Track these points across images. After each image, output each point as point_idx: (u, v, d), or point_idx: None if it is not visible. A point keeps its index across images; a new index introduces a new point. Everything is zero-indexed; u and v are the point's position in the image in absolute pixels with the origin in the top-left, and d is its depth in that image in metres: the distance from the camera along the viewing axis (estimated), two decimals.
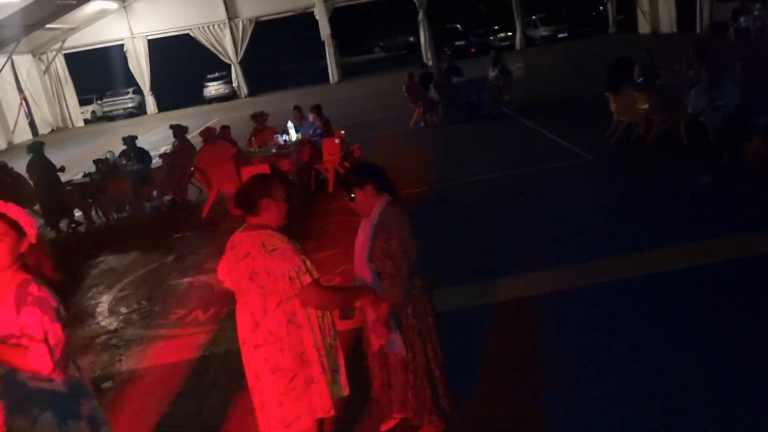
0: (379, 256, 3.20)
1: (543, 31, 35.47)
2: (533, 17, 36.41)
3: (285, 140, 10.20)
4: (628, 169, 8.60)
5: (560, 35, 34.93)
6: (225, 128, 10.65)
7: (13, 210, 2.65)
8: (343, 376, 3.20)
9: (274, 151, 9.88)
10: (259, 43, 32.16)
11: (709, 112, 7.75)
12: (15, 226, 2.62)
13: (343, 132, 11.02)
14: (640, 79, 10.11)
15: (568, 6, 43.56)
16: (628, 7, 33.46)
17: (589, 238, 6.36)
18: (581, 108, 13.24)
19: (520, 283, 5.58)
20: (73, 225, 10.58)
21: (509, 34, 35.52)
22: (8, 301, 2.55)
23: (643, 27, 30.37)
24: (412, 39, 40.95)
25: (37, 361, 2.50)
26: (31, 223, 2.69)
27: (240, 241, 3.04)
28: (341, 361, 3.21)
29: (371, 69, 37.73)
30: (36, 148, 10.50)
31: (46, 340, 2.51)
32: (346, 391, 3.23)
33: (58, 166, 10.57)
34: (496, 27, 39.23)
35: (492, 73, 14.58)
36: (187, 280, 7.27)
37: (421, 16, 31.32)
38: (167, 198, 10.93)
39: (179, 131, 11.11)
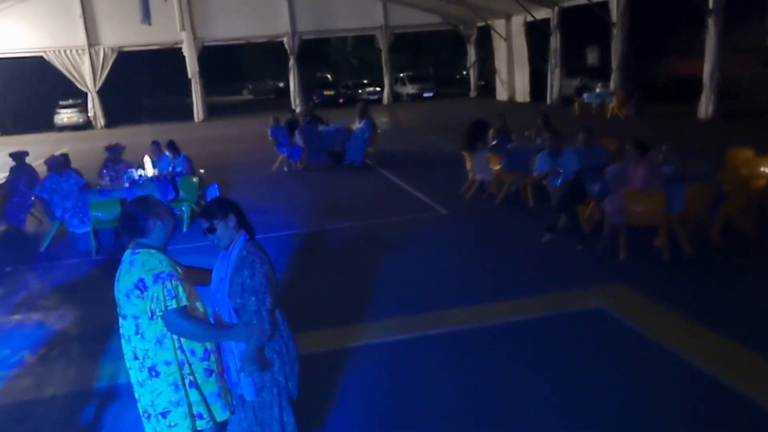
0: (239, 293, 3.14)
1: (410, 89, 37.04)
2: (401, 74, 37.97)
3: (140, 175, 9.79)
4: (479, 224, 9.05)
5: (425, 94, 36.65)
6: (67, 157, 10.04)
7: None
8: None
9: (127, 185, 9.43)
10: (121, 73, 30.91)
11: (551, 177, 8.39)
12: None
13: (202, 171, 10.74)
14: (494, 142, 10.76)
15: (435, 67, 46.04)
16: (488, 75, 35.82)
17: (436, 288, 6.58)
18: (440, 164, 13.85)
19: (370, 329, 5.64)
20: None
21: (377, 88, 36.72)
22: None
23: (501, 94, 32.54)
24: (281, 84, 41.21)
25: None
26: None
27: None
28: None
29: (238, 110, 37.43)
30: None
31: None
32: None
33: None
34: (365, 81, 40.46)
35: (358, 125, 14.94)
36: (16, 317, 6.67)
37: (291, 62, 31.64)
38: (2, 227, 10.06)
39: (19, 157, 10.36)
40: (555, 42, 26.52)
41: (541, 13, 26.85)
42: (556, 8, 26.03)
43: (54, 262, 8.47)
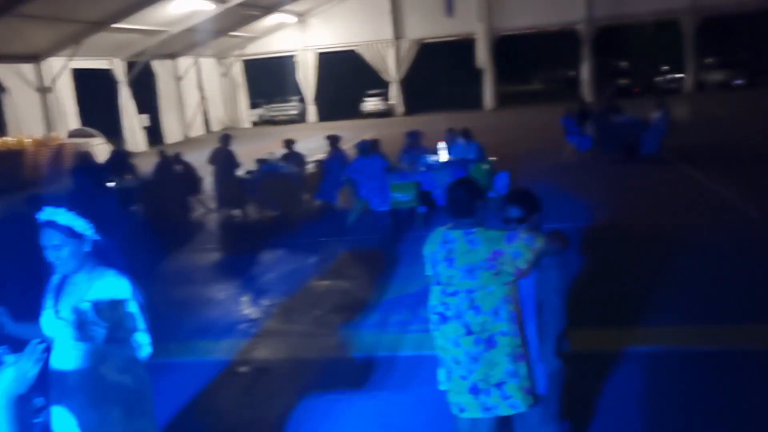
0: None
1: (717, 76, 33.37)
2: (708, 60, 34.39)
3: (435, 161, 10.41)
4: None
5: (735, 81, 32.71)
6: (376, 142, 11.04)
7: (63, 216, 2.83)
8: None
9: (423, 170, 10.11)
10: (419, 63, 32.92)
11: None
12: (71, 233, 2.81)
13: (493, 158, 11.03)
14: None
15: (749, 52, 40.67)
16: None
17: (722, 300, 5.93)
18: (755, 161, 12.35)
19: (641, 334, 5.32)
20: (233, 217, 11.45)
21: (678, 76, 33.78)
22: None
23: None
24: (572, 73, 40.11)
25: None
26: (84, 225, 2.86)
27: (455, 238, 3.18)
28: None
29: (527, 100, 37.38)
30: (224, 138, 11.58)
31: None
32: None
33: (239, 161, 11.55)
34: (664, 67, 37.47)
35: (656, 115, 13.98)
36: (326, 282, 7.61)
37: (585, 50, 30.64)
38: (317, 203, 11.49)
39: (334, 141, 11.67)
40: None
41: None
42: None
43: (358, 236, 9.44)
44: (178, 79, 27.80)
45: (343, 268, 8.13)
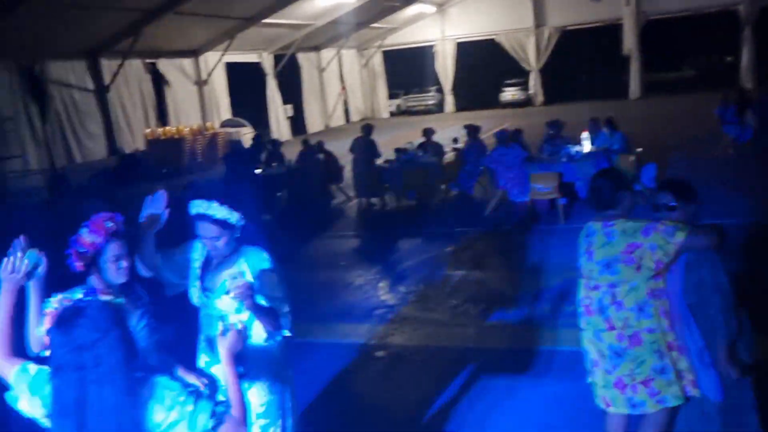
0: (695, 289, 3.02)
1: None
2: None
3: (577, 151, 10.06)
4: None
5: None
6: (518, 132, 10.83)
7: (218, 210, 2.96)
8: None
9: (564, 160, 9.80)
10: (560, 51, 31.85)
11: None
12: (225, 225, 2.96)
13: (639, 149, 10.48)
14: None
15: None
16: None
17: None
18: None
19: None
20: (371, 205, 11.71)
21: None
22: None
23: None
24: (729, 58, 37.12)
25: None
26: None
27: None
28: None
29: (677, 88, 35.10)
30: (366, 128, 11.88)
31: None
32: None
33: (379, 150, 11.80)
34: None
35: None
36: (462, 272, 7.60)
37: (745, 32, 28.21)
38: (454, 192, 11.48)
39: (473, 130, 11.58)
40: None
41: None
42: None
43: (495, 227, 9.33)
44: (321, 70, 28.75)
45: (480, 258, 8.07)
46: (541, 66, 30.95)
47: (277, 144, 13.63)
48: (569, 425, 4.10)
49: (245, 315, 2.95)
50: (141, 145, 18.18)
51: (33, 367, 2.05)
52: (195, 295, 3.11)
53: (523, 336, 5.61)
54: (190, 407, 1.94)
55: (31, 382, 2.01)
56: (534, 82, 31.52)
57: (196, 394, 1.96)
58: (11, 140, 14.52)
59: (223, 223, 2.96)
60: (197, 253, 3.14)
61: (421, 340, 5.86)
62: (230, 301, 2.93)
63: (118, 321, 1.90)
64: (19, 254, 2.26)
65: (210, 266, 3.10)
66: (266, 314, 2.91)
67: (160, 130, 18.60)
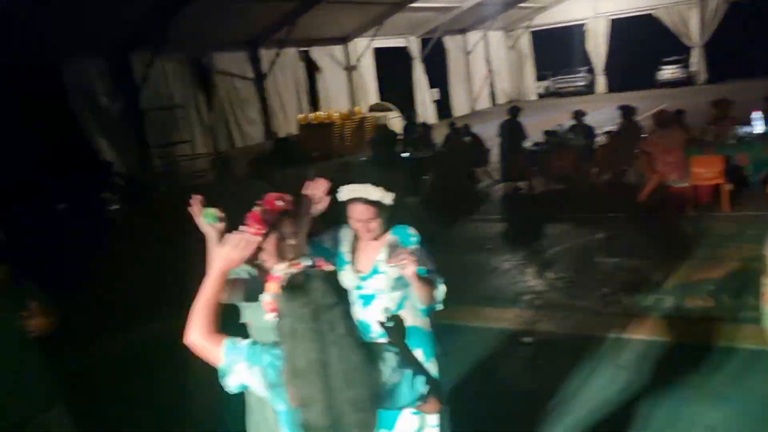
0: None
1: None
2: None
3: (747, 133, 9.26)
4: None
5: None
6: (680, 113, 10.15)
7: (373, 191, 3.02)
8: None
9: (732, 142, 9.07)
10: (726, 25, 29.29)
11: None
12: (380, 207, 3.02)
13: None
14: None
15: None
16: None
17: None
18: None
19: None
20: (518, 189, 11.53)
21: None
22: None
23: None
24: None
25: None
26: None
27: None
28: None
29: None
30: (513, 111, 11.72)
31: None
32: None
33: (526, 133, 11.60)
34: None
35: None
36: (614, 260, 7.30)
37: None
38: (605, 177, 11.01)
39: (628, 112, 11.01)
40: None
41: None
42: None
43: (652, 213, 8.82)
44: (467, 53, 28.53)
45: (634, 246, 7.69)
46: (704, 41, 28.71)
47: (427, 128, 13.75)
48: None
49: (399, 294, 3.03)
50: (294, 130, 19.06)
51: (240, 339, 2.12)
52: (346, 278, 3.17)
53: (689, 330, 5.32)
54: (408, 370, 2.07)
55: (248, 354, 2.07)
56: (696, 58, 29.34)
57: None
58: (182, 127, 15.80)
59: (378, 205, 3.04)
60: (346, 237, 3.23)
61: (569, 328, 5.71)
62: (384, 279, 3.02)
63: (343, 289, 2.04)
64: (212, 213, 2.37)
65: (359, 248, 3.19)
66: (425, 283, 2.94)
67: (311, 115, 19.40)
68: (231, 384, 2.08)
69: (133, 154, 14.48)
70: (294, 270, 2.02)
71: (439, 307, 3.09)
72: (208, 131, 16.87)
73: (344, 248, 3.21)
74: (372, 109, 21.67)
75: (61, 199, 13.20)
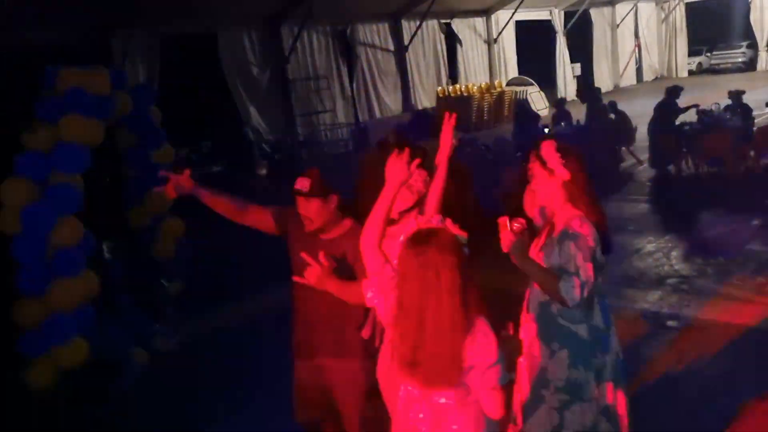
0: None
1: None
2: None
3: None
4: None
5: None
6: None
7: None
8: None
9: None
10: None
11: None
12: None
13: None
14: None
15: None
16: None
17: None
18: None
19: None
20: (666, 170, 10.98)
21: None
22: None
23: None
24: None
25: (566, 291, 2.75)
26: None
27: None
28: None
29: None
30: (673, 90, 11.08)
31: (577, 274, 2.75)
32: None
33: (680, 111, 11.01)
34: None
35: None
36: None
37: None
38: (765, 160, 10.27)
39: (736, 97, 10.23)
40: None
41: None
42: None
43: None
44: (614, 27, 27.21)
45: None
46: None
47: (563, 103, 13.38)
48: None
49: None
50: (432, 103, 19.16)
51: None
52: None
53: None
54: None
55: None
56: None
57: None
58: (325, 97, 16.37)
59: None
60: None
61: (717, 315, 5.48)
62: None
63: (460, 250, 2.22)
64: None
65: None
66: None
67: (450, 88, 19.39)
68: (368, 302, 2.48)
69: (279, 122, 15.23)
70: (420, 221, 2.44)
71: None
72: (350, 102, 17.35)
73: None
74: (510, 83, 21.32)
75: (214, 163, 14.16)
